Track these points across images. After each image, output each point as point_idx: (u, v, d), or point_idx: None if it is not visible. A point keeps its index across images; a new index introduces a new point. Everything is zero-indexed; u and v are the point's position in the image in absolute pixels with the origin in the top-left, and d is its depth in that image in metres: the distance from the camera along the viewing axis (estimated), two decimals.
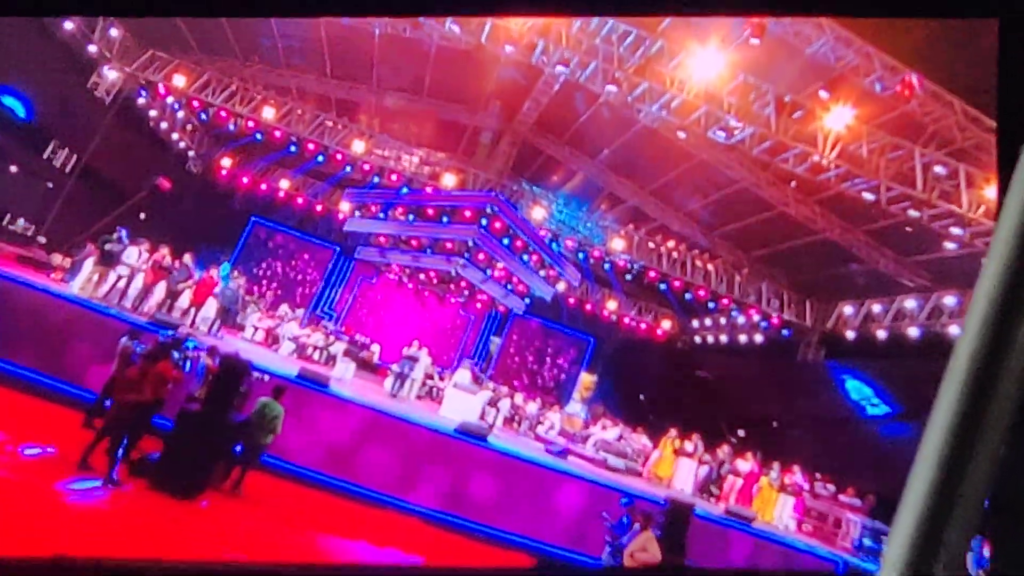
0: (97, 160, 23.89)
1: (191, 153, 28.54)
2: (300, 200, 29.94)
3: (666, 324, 31.12)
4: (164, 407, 10.76)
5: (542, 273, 25.90)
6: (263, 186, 29.79)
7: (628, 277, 25.22)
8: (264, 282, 30.67)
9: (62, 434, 11.34)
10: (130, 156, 25.58)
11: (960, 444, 0.76)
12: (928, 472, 0.77)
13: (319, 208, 29.95)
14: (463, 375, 19.69)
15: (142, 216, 25.26)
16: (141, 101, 24.52)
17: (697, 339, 29.74)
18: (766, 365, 25.25)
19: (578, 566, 13.68)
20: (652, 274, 24.37)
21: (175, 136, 26.92)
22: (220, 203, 30.01)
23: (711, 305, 25.23)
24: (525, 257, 24.55)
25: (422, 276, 29.43)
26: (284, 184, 29.79)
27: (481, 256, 24.02)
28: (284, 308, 25.83)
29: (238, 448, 11.38)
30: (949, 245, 16.18)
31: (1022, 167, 0.80)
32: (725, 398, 25.21)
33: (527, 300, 27.52)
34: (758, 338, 25.34)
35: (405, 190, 24.44)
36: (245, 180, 29.72)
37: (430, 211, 23.72)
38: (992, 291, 0.76)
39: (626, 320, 31.19)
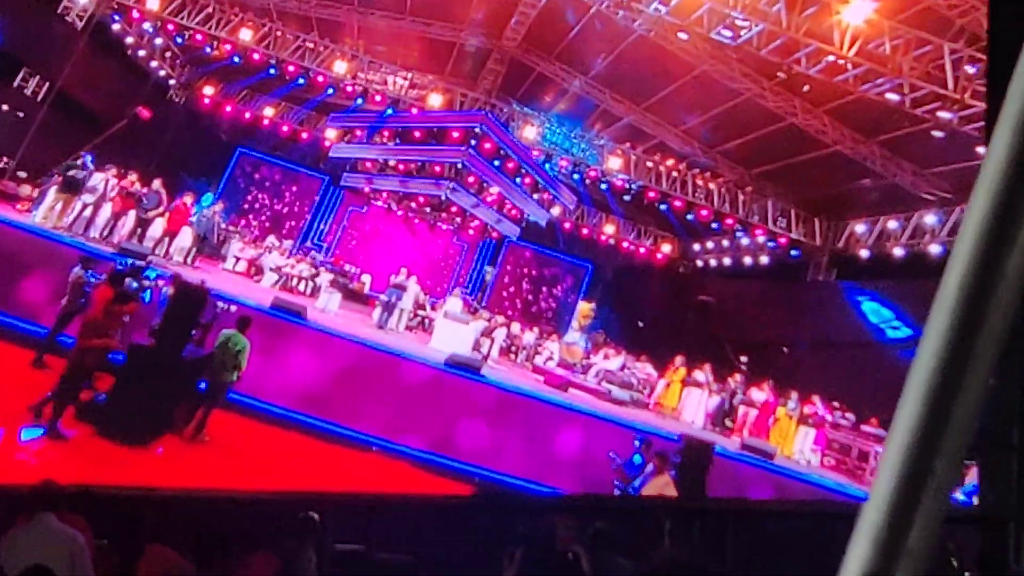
0: (71, 88, 22.33)
1: (172, 82, 26.80)
2: (285, 128, 28.46)
3: (666, 248, 29.90)
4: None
5: (535, 196, 24.60)
6: (247, 115, 28.25)
7: (626, 198, 23.83)
8: (251, 215, 29.27)
9: (10, 374, 10.31)
10: (106, 84, 24.02)
11: (949, 374, 0.74)
12: (917, 402, 0.75)
13: (304, 136, 28.45)
14: (454, 304, 18.60)
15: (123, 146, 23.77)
16: (116, 27, 22.71)
17: (699, 263, 28.56)
18: (773, 288, 24.10)
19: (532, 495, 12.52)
20: (651, 194, 23.00)
21: (154, 64, 25.18)
22: (205, 134, 28.46)
23: (714, 226, 23.92)
24: (517, 180, 23.21)
25: (412, 204, 28.15)
26: (268, 112, 28.20)
27: (471, 179, 22.68)
28: (271, 239, 24.68)
29: (201, 387, 10.29)
30: (981, 150, 14.74)
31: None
32: (730, 323, 24.14)
33: (521, 226, 26.25)
34: (764, 260, 24.12)
35: (390, 111, 22.88)
36: (228, 109, 28.17)
37: (417, 133, 22.29)
38: (980, 220, 0.75)
39: (625, 244, 29.95)
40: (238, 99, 28.10)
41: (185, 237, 17.99)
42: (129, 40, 23.42)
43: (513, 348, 22.45)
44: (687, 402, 17.14)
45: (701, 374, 17.42)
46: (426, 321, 22.32)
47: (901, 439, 0.75)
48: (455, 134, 21.27)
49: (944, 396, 0.74)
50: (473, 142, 20.83)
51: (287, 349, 12.48)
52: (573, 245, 31.25)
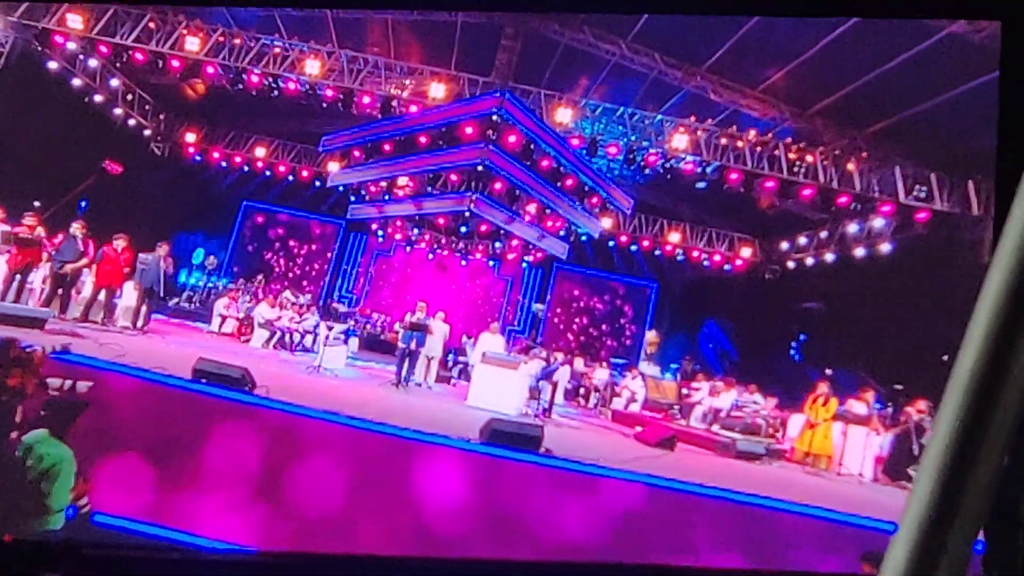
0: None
1: (147, 132, 22.38)
2: (282, 169, 23.79)
3: (746, 252, 24.29)
4: None
5: (582, 204, 19.39)
6: (237, 159, 23.72)
7: (701, 186, 18.29)
8: (264, 272, 24.61)
9: None
10: (61, 136, 19.74)
11: (964, 452, 0.75)
12: (932, 478, 0.76)
13: (305, 174, 23.73)
14: (492, 343, 13.37)
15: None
16: (52, 65, 18.35)
17: (791, 264, 22.80)
18: (910, 279, 18.19)
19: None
20: (734, 176, 17.51)
21: (118, 111, 20.63)
22: (200, 187, 24.08)
23: (822, 210, 18.35)
24: (557, 182, 18.05)
25: (441, 239, 23.33)
26: (260, 152, 23.64)
27: (498, 186, 17.64)
28: (287, 295, 19.85)
29: None
30: None
31: None
32: (855, 333, 18.32)
33: (569, 242, 21.06)
34: (884, 247, 18.33)
35: (382, 116, 17.96)
36: (216, 155, 23.69)
37: (422, 138, 17.36)
38: (996, 300, 0.76)
39: (695, 254, 24.40)
40: (225, 143, 23.61)
41: (128, 294, 13.23)
42: (77, 83, 18.96)
43: (582, 391, 17.08)
44: (850, 444, 11.44)
45: (861, 405, 11.77)
46: (468, 368, 17.25)
47: (915, 515, 0.76)
48: (468, 129, 16.35)
49: (958, 475, 0.74)
50: (492, 135, 15.84)
51: (216, 444, 7.29)
52: (631, 261, 25.84)
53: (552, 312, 27.01)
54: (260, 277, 23.17)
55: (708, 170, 17.67)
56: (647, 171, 18.48)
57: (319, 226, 26.83)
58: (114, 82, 19.55)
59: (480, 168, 16.66)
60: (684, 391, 15.31)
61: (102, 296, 12.56)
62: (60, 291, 12.12)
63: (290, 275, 26.31)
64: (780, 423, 13.46)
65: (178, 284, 22.00)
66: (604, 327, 27.10)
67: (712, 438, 12.21)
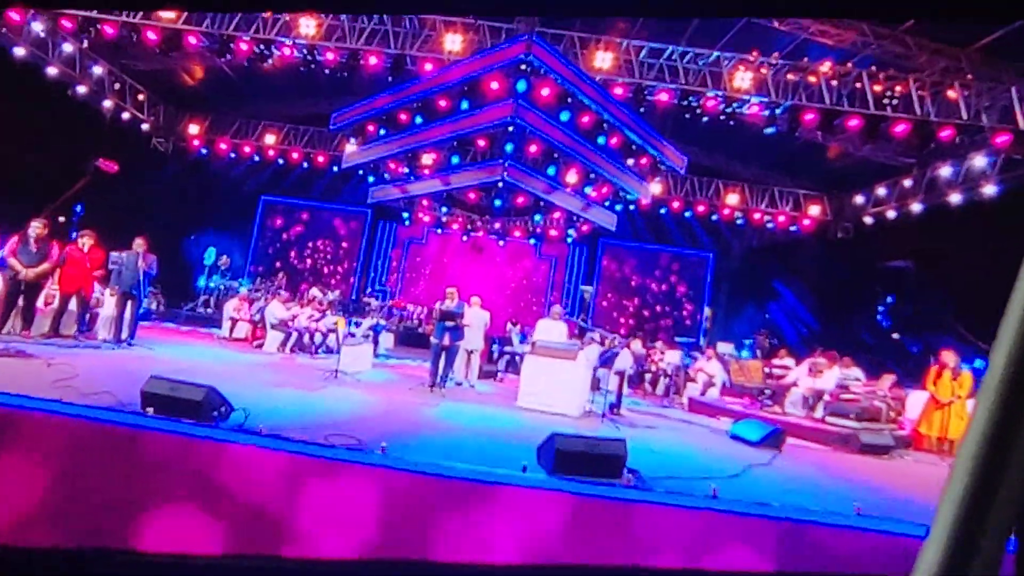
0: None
1: (145, 127, 20.29)
2: (296, 155, 21.66)
3: (814, 210, 21.64)
4: None
5: (629, 162, 16.93)
6: (246, 148, 21.66)
7: (770, 131, 15.61)
8: (282, 271, 22.58)
9: None
10: (45, 134, 17.80)
11: (997, 452, 0.74)
12: (965, 478, 0.75)
13: (321, 160, 21.57)
14: (552, 330, 11.05)
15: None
16: (19, 52, 16.33)
17: (868, 219, 20.05)
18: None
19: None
20: (809, 116, 14.87)
21: (107, 104, 18.56)
22: (212, 182, 22.04)
23: (919, 148, 15.66)
24: (601, 138, 15.63)
25: (475, 220, 21.11)
26: (270, 140, 21.53)
27: (533, 148, 15.26)
28: (314, 292, 17.96)
29: None
30: None
31: None
32: (954, 293, 15.65)
33: (616, 209, 18.66)
34: (989, 190, 15.56)
35: (393, 80, 15.64)
36: (223, 147, 21.66)
37: (441, 101, 15.04)
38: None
39: (756, 216, 21.81)
40: (232, 132, 21.57)
41: (108, 302, 11.22)
42: (52, 71, 16.88)
43: (650, 378, 14.75)
44: None
45: None
46: (517, 360, 15.09)
47: (947, 515, 0.75)
48: (493, 84, 14.00)
49: (991, 475, 0.73)
50: (521, 86, 13.47)
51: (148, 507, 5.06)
52: (686, 230, 23.31)
53: (601, 293, 24.67)
54: (281, 275, 21.16)
55: (778, 112, 15.06)
56: (705, 119, 15.91)
57: (343, 216, 24.88)
58: (97, 69, 17.43)
59: (511, 129, 14.29)
60: (766, 370, 12.80)
61: (73, 305, 10.50)
62: (22, 303, 10.08)
63: (323, 271, 24.46)
64: (901, 405, 10.94)
65: (196, 288, 20.07)
66: (659, 307, 24.71)
67: (827, 430, 9.78)
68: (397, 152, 16.43)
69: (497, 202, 16.91)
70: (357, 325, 14.57)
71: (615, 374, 10.64)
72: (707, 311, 24.53)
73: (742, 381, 12.48)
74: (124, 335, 10.60)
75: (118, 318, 10.71)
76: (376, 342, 16.29)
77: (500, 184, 15.48)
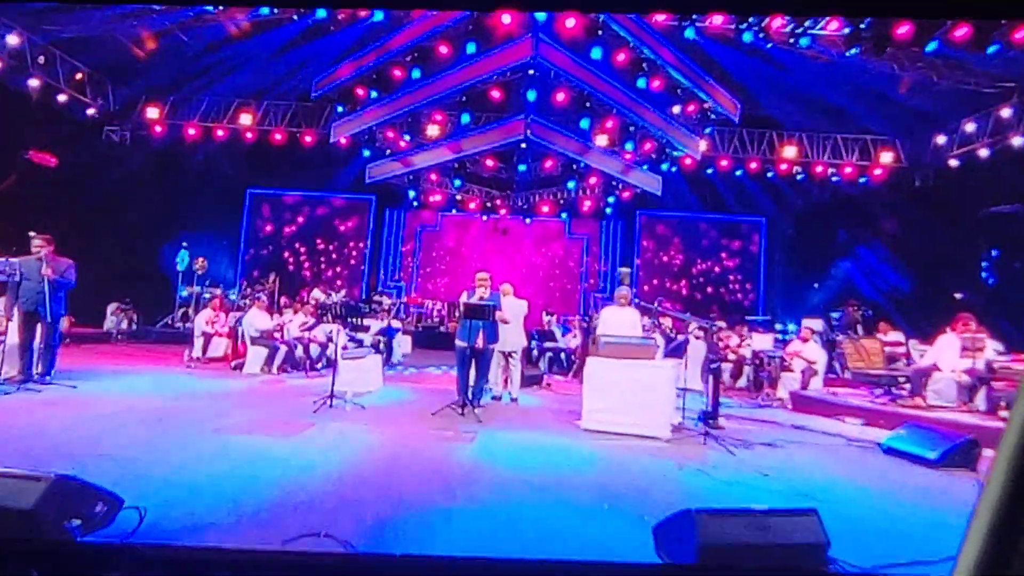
0: None
1: (90, 111, 17.69)
2: (279, 137, 19.12)
3: (886, 157, 18.90)
4: None
5: (675, 110, 14.42)
6: (219, 132, 19.16)
7: (853, 52, 12.85)
8: (273, 272, 20.13)
9: None
10: None
11: None
12: (1003, 479, 0.75)
13: (308, 139, 19.02)
14: (619, 319, 8.56)
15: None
16: None
17: (953, 162, 17.32)
18: None
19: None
20: (902, 30, 12.12)
21: (33, 83, 15.59)
22: (187, 176, 19.48)
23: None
24: (641, 81, 13.12)
25: (495, 197, 18.72)
26: (247, 120, 19.00)
27: (561, 97, 12.78)
28: (316, 294, 16.34)
29: None
30: None
31: None
32: None
33: (662, 169, 16.18)
34: None
35: (379, 15, 13.09)
36: (192, 132, 19.18)
37: (442, 48, 12.57)
38: None
39: (818, 169, 19.15)
40: (200, 115, 19.07)
41: (9, 329, 8.67)
42: None
43: (728, 368, 12.28)
44: None
45: None
46: (563, 358, 12.77)
47: (986, 515, 0.76)
48: (504, 17, 11.54)
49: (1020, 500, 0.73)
50: (540, 17, 11.05)
51: None
52: (736, 192, 20.67)
53: (643, 274, 22.18)
54: (273, 277, 18.77)
55: (862, 28, 12.39)
56: (770, 46, 13.30)
57: (344, 206, 22.55)
58: (11, 39, 14.32)
59: (532, 72, 11.80)
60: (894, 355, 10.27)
61: None
62: None
63: (326, 271, 22.11)
64: None
65: (180, 296, 17.68)
66: (710, 287, 22.19)
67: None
68: (395, 115, 13.98)
69: (521, 167, 14.50)
70: (356, 329, 12.11)
71: (707, 373, 8.13)
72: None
73: (860, 367, 9.94)
74: (40, 371, 8.15)
75: (22, 347, 8.23)
76: (390, 348, 13.91)
77: (523, 145, 13.05)
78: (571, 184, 16.14)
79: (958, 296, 16.51)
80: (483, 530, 3.77)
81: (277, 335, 12.10)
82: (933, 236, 16.87)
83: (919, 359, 10.97)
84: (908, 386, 9.03)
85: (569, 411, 8.45)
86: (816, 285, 20.63)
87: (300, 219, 22.52)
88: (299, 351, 12.04)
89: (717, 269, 22.34)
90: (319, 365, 12.22)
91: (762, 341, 11.91)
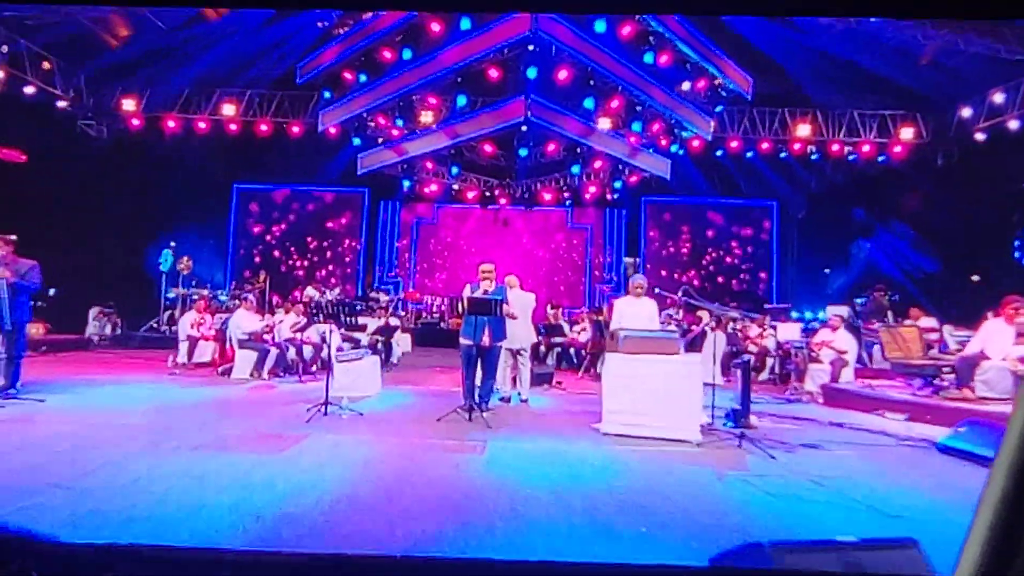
0: None
1: (61, 104, 17.01)
2: (264, 127, 18.51)
3: (906, 133, 18.33)
4: None
5: (684, 87, 13.86)
6: (201, 124, 18.55)
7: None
8: (263, 271, 19.57)
9: None
10: None
11: None
12: (1004, 480, 0.75)
13: (296, 130, 18.40)
14: (635, 311, 8.02)
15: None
16: None
17: (979, 136, 16.74)
18: None
19: None
20: None
21: None
22: (169, 172, 18.77)
23: None
24: (648, 56, 12.55)
25: (493, 186, 18.17)
26: (230, 111, 18.39)
27: (563, 75, 12.21)
28: (310, 291, 16.00)
29: None
30: None
31: None
32: None
33: (672, 150, 15.63)
34: None
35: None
36: (172, 124, 18.57)
37: (433, 25, 12.00)
38: None
39: (834, 148, 18.59)
40: (179, 106, 18.45)
41: None
42: None
43: (749, 361, 11.68)
44: None
45: None
46: (572, 353, 12.28)
47: (987, 515, 0.75)
48: None
49: (1021, 503, 0.74)
50: None
51: None
52: (746, 174, 20.12)
53: (650, 263, 21.64)
54: (263, 275, 18.23)
55: None
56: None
57: (336, 200, 22.01)
58: None
59: (532, 48, 11.21)
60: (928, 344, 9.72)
61: None
62: None
63: (319, 269, 21.53)
64: None
65: (165, 299, 17.07)
66: (721, 278, 21.65)
67: None
68: (385, 100, 13.38)
69: (522, 152, 13.86)
70: (352, 329, 11.53)
71: (734, 367, 7.58)
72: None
73: (898, 356, 9.37)
74: (1, 383, 7.57)
75: None
76: (389, 348, 13.36)
77: (523, 128, 12.48)
78: (575, 169, 15.56)
79: (975, 279, 16.03)
80: (472, 495, 3.24)
81: (267, 337, 11.53)
82: (959, 215, 16.31)
83: (954, 346, 10.44)
84: (952, 376, 8.46)
85: (585, 413, 7.90)
86: (827, 270, 20.16)
87: (291, 215, 22.01)
88: (291, 353, 11.48)
89: (728, 259, 21.80)
90: (313, 368, 11.66)
91: (788, 331, 11.32)
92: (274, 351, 11.17)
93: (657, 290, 7.78)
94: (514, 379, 9.35)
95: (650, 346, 6.92)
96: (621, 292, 20.49)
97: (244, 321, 11.26)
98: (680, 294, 7.37)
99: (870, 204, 18.89)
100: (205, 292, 16.22)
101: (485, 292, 7.86)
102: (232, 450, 5.55)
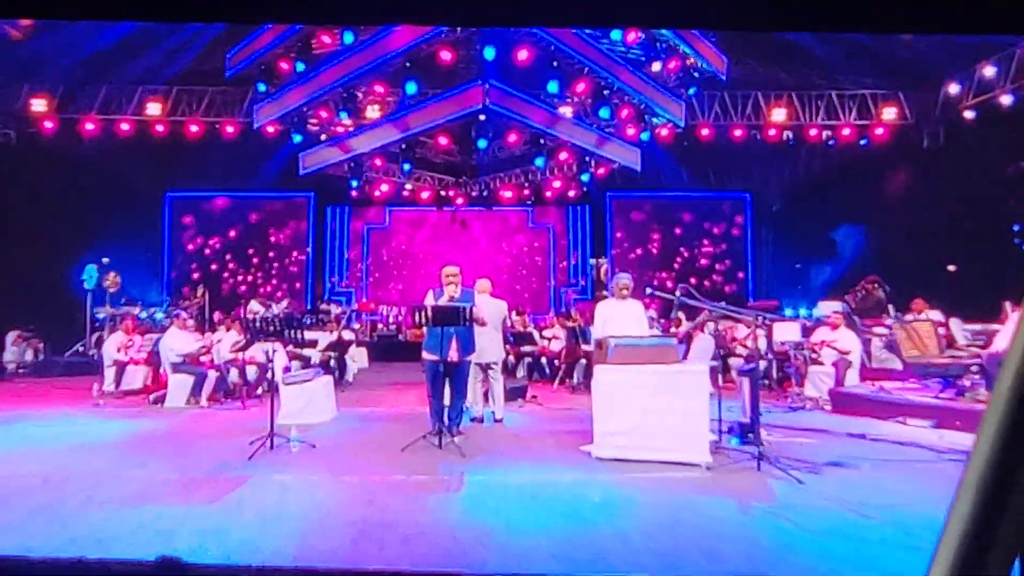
0: None
1: None
2: (195, 128, 17.52)
3: (889, 113, 18.03)
4: None
5: (655, 68, 13.36)
6: (124, 126, 17.49)
7: None
8: (201, 285, 18.61)
9: None
10: None
11: (1004, 466, 0.76)
12: (969, 502, 0.76)
13: (230, 129, 17.44)
14: (624, 317, 7.43)
15: None
16: None
17: (968, 114, 16.46)
18: None
19: None
20: None
21: None
22: (93, 180, 17.65)
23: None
24: (615, 33, 12.04)
25: (448, 186, 17.53)
26: (155, 110, 17.37)
27: (524, 55, 11.59)
28: (254, 305, 15.34)
29: None
30: None
31: None
32: None
33: (639, 145, 15.17)
34: None
35: None
36: (91, 127, 17.47)
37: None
38: None
39: (812, 132, 18.22)
40: (98, 106, 17.38)
41: None
42: None
43: (739, 361, 11.09)
44: None
45: None
46: (543, 364, 11.71)
47: (952, 539, 0.76)
48: None
49: (999, 490, 0.75)
50: None
51: None
52: (717, 166, 19.76)
53: (620, 267, 21.07)
54: (201, 290, 17.34)
55: None
56: None
57: (279, 207, 21.10)
58: None
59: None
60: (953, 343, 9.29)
61: None
62: None
63: (261, 285, 20.58)
64: None
65: (94, 319, 16.03)
66: (694, 279, 21.09)
67: None
68: (326, 90, 12.60)
69: (481, 143, 13.19)
70: (300, 346, 10.69)
71: (740, 375, 7.01)
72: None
73: (915, 356, 8.86)
74: None
75: None
76: (343, 365, 12.60)
77: (482, 116, 11.83)
78: (539, 161, 14.95)
79: (951, 268, 15.74)
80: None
81: (205, 358, 10.67)
82: (948, 199, 16.00)
83: (963, 341, 9.99)
84: (977, 376, 7.96)
85: (570, 432, 7.27)
86: (798, 265, 19.86)
87: (230, 225, 21.00)
88: (233, 376, 10.66)
89: (704, 261, 21.35)
90: (259, 390, 10.81)
91: (786, 331, 10.71)
92: (213, 374, 10.33)
93: (649, 291, 7.13)
94: (486, 394, 8.67)
95: (645, 354, 6.29)
96: (588, 296, 20.03)
97: (176, 342, 10.38)
98: (678, 293, 6.76)
99: (852, 193, 18.54)
100: (136, 310, 15.31)
101: (451, 299, 7.18)
102: (154, 501, 4.79)
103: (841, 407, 9.01)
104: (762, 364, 11.53)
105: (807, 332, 11.03)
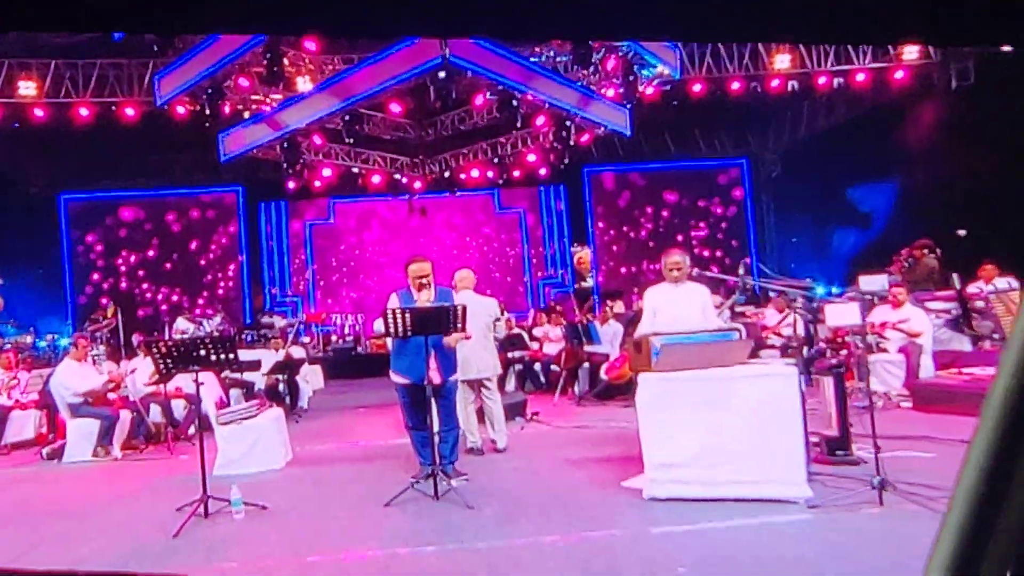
0: None
1: None
2: (85, 112, 15.93)
3: (910, 53, 17.22)
4: None
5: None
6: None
7: None
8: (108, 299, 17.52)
9: None
10: None
11: (996, 481, 0.79)
12: (965, 505, 0.79)
13: (130, 113, 15.95)
14: (670, 301, 6.21)
15: None
16: None
17: (1007, 47, 15.85)
18: None
19: None
20: None
21: None
22: None
23: None
24: None
25: (401, 166, 16.54)
26: (30, 90, 15.73)
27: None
28: (181, 323, 14.51)
29: None
30: None
31: None
32: None
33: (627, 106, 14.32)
34: None
35: None
36: None
37: None
38: None
39: (821, 80, 17.39)
40: None
41: None
42: None
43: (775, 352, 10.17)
44: None
45: None
46: (537, 371, 10.94)
47: (948, 543, 0.80)
48: None
49: (992, 501, 0.78)
50: None
51: None
52: (710, 130, 19.02)
53: (602, 255, 20.35)
54: (110, 307, 16.27)
55: None
56: None
57: (201, 204, 20.04)
58: None
59: None
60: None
61: None
62: None
63: (184, 300, 19.47)
64: None
65: None
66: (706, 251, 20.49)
67: None
68: (244, 49, 11.37)
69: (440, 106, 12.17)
70: (239, 370, 9.44)
71: (816, 375, 6.04)
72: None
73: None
74: None
75: None
76: (295, 389, 11.41)
77: (441, 73, 10.71)
78: (517, 129, 14.02)
79: (961, 233, 15.05)
80: None
81: (114, 395, 9.37)
82: (979, 153, 15.31)
83: None
84: None
85: (599, 461, 6.25)
86: (794, 239, 19.28)
87: (143, 228, 19.76)
88: (156, 414, 9.40)
89: (703, 233, 20.61)
90: (192, 430, 9.47)
91: (842, 314, 9.55)
92: (126, 415, 9.05)
93: (696, 271, 6.05)
94: (480, 411, 7.54)
95: (702, 354, 5.21)
96: (571, 288, 19.13)
97: (71, 377, 9.01)
98: (741, 271, 5.72)
99: (868, 149, 17.84)
100: (28, 338, 14.06)
101: (424, 301, 6.03)
102: None
103: (929, 404, 8.01)
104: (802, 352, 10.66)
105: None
